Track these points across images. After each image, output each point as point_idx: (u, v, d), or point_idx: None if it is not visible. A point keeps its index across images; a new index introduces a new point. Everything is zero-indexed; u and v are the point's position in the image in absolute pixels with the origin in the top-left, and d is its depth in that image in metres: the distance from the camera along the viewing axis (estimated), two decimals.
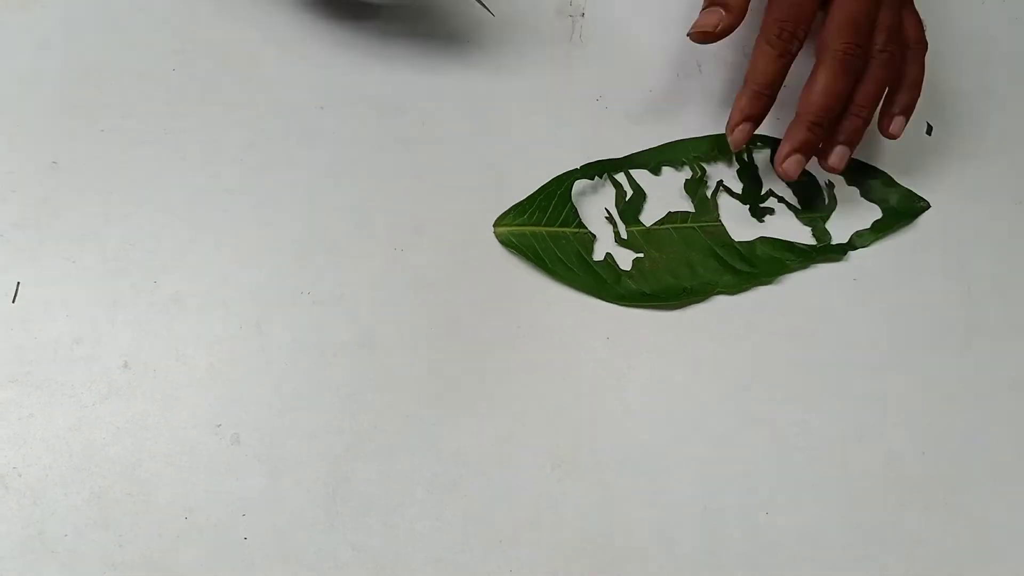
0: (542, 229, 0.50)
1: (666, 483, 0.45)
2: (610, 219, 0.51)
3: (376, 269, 0.48)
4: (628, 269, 0.50)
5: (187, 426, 0.44)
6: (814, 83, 0.48)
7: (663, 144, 0.53)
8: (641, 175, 0.52)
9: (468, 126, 0.53)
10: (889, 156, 0.54)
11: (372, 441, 0.45)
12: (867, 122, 0.50)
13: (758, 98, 0.49)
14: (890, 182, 0.53)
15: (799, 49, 0.49)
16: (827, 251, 0.51)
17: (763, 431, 0.46)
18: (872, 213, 0.52)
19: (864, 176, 0.53)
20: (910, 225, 0.52)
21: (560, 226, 0.51)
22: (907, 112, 0.51)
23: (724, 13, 0.49)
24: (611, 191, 0.52)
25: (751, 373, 0.48)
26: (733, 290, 0.50)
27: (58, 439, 0.43)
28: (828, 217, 0.52)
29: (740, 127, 0.49)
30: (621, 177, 0.52)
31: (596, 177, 0.52)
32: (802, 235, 0.52)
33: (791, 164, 0.49)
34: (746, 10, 0.49)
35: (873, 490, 0.46)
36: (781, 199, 0.52)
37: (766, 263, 0.50)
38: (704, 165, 0.53)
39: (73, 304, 0.46)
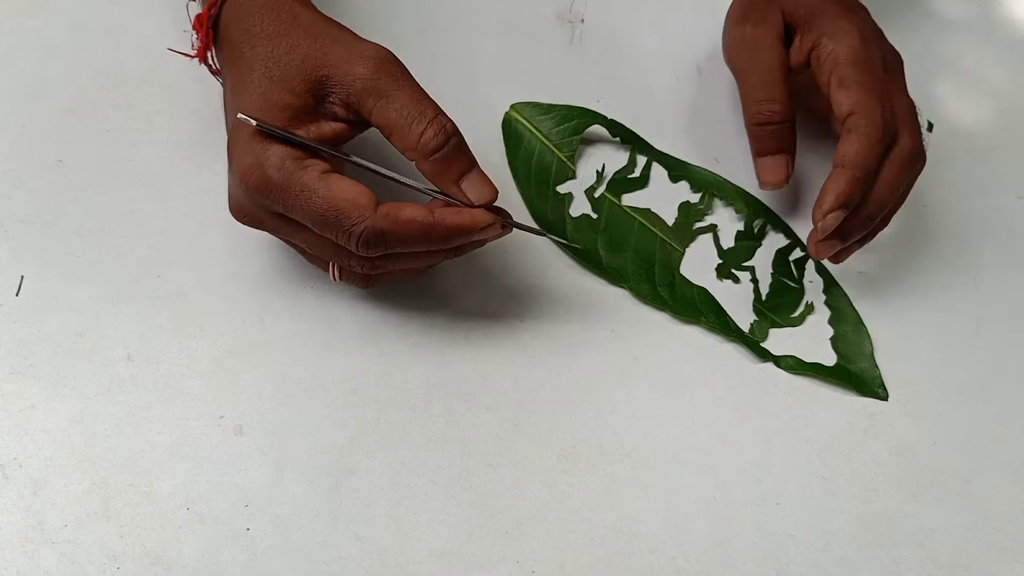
0: (541, 136, 0.52)
1: (674, 474, 0.44)
2: (600, 174, 0.52)
3: None
4: (576, 216, 0.51)
5: (190, 417, 0.44)
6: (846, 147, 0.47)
7: (700, 167, 0.53)
8: (657, 171, 0.53)
9: (470, 128, 0.53)
10: None
11: (376, 433, 0.44)
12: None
13: (857, 184, 0.46)
14: (870, 359, 0.48)
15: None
16: (749, 343, 0.48)
17: (772, 422, 0.46)
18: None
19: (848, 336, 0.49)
20: (913, 220, 0.52)
21: (555, 145, 0.52)
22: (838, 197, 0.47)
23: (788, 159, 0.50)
24: (614, 153, 0.52)
25: (758, 364, 0.47)
26: (643, 298, 0.49)
27: (60, 430, 0.43)
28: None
29: (834, 214, 0.46)
30: (640, 157, 0.53)
31: (617, 138, 0.53)
32: (744, 309, 0.49)
33: (832, 219, 0.46)
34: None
35: (884, 481, 0.45)
36: (755, 280, 0.50)
37: (681, 303, 0.49)
38: (716, 202, 0.53)
39: (76, 298, 0.46)
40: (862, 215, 0.47)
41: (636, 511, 0.44)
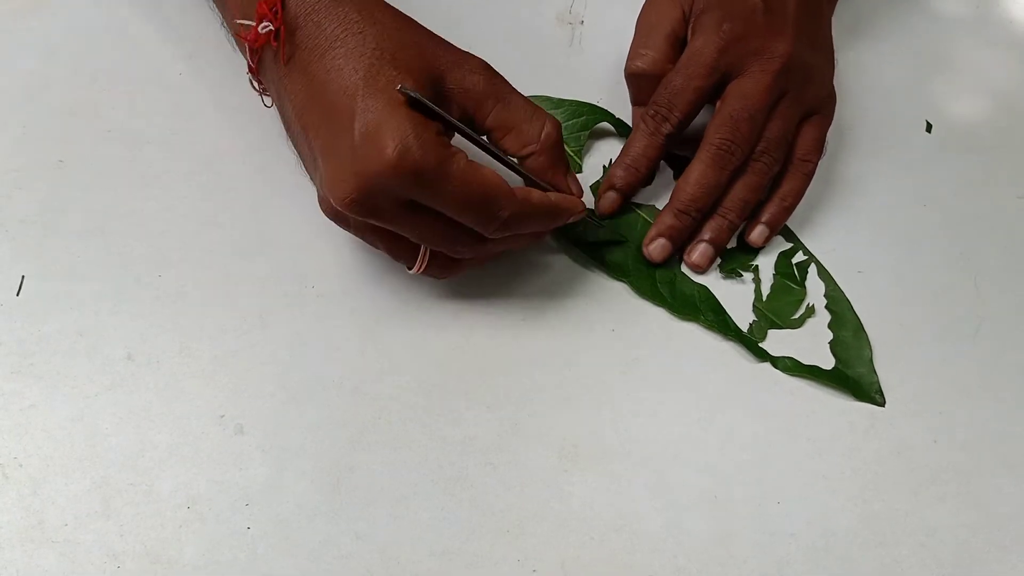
0: None
1: (674, 473, 0.44)
2: (606, 170, 0.52)
3: (379, 263, 0.48)
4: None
5: (190, 417, 0.44)
6: (687, 173, 0.49)
7: None
8: (661, 168, 0.53)
9: None
10: (891, 153, 0.55)
11: (376, 432, 0.44)
12: (734, 225, 0.50)
13: (627, 171, 0.50)
14: (868, 365, 0.48)
15: (672, 132, 0.49)
16: (747, 342, 0.48)
17: (773, 421, 0.46)
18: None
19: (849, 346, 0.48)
20: (913, 220, 0.52)
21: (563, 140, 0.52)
22: (772, 224, 0.50)
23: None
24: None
25: (759, 363, 0.47)
26: (643, 294, 0.49)
27: (60, 429, 0.43)
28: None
29: (607, 195, 0.50)
30: None
31: (624, 135, 0.53)
32: (744, 309, 0.49)
33: (656, 248, 0.49)
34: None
35: (885, 480, 0.45)
36: (757, 280, 0.50)
37: (680, 300, 0.49)
38: None
39: (77, 297, 0.46)
40: (719, 222, 0.50)
41: (636, 510, 0.43)
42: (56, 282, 0.46)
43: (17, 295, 0.46)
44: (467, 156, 0.40)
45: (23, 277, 0.46)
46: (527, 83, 0.54)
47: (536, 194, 0.43)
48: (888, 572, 0.43)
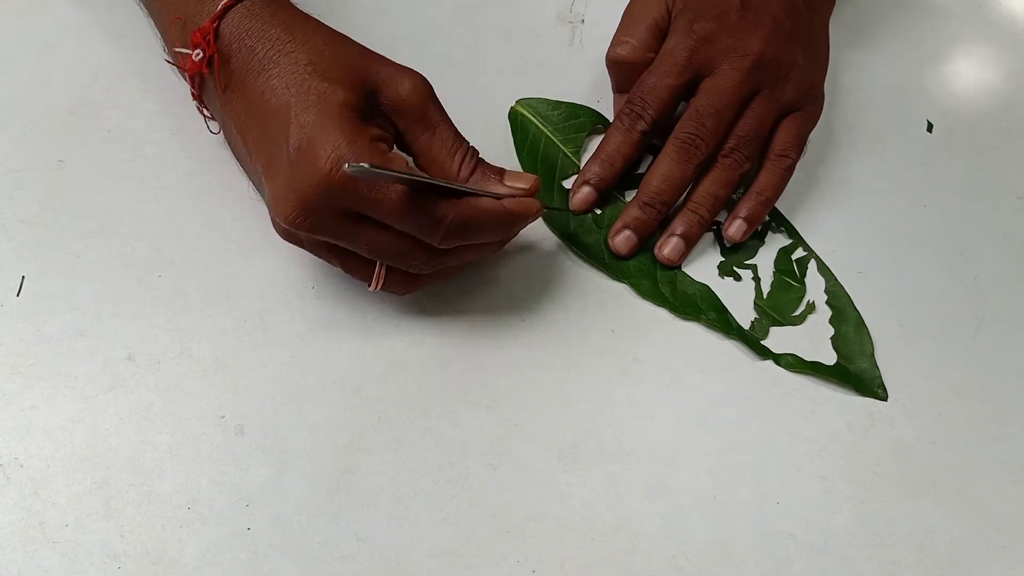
0: (546, 130, 0.53)
1: (674, 474, 0.45)
2: None
3: None
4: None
5: (191, 417, 0.44)
6: (653, 167, 0.50)
7: None
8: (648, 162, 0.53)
9: (470, 129, 0.53)
10: (891, 153, 0.55)
11: (377, 433, 0.44)
12: (705, 220, 0.50)
13: (601, 166, 0.50)
14: (870, 360, 0.48)
15: (647, 128, 0.50)
16: (750, 341, 0.48)
17: (772, 421, 0.46)
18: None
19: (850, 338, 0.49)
20: (913, 220, 0.52)
21: (560, 141, 0.53)
22: (751, 219, 0.50)
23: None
24: None
25: (758, 364, 0.48)
26: (644, 294, 0.49)
27: (61, 430, 0.43)
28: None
29: (581, 190, 0.50)
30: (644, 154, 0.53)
31: None
32: (745, 307, 0.49)
33: (621, 240, 0.49)
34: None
35: (883, 480, 0.45)
36: (757, 279, 0.50)
37: (681, 299, 0.49)
38: None
39: (78, 298, 0.46)
40: (691, 216, 0.50)
41: (636, 510, 0.44)
42: (57, 283, 0.46)
43: (17, 295, 0.46)
44: (408, 161, 0.41)
45: (23, 277, 0.46)
46: (527, 82, 0.55)
47: (484, 201, 0.42)
48: (886, 572, 0.43)
